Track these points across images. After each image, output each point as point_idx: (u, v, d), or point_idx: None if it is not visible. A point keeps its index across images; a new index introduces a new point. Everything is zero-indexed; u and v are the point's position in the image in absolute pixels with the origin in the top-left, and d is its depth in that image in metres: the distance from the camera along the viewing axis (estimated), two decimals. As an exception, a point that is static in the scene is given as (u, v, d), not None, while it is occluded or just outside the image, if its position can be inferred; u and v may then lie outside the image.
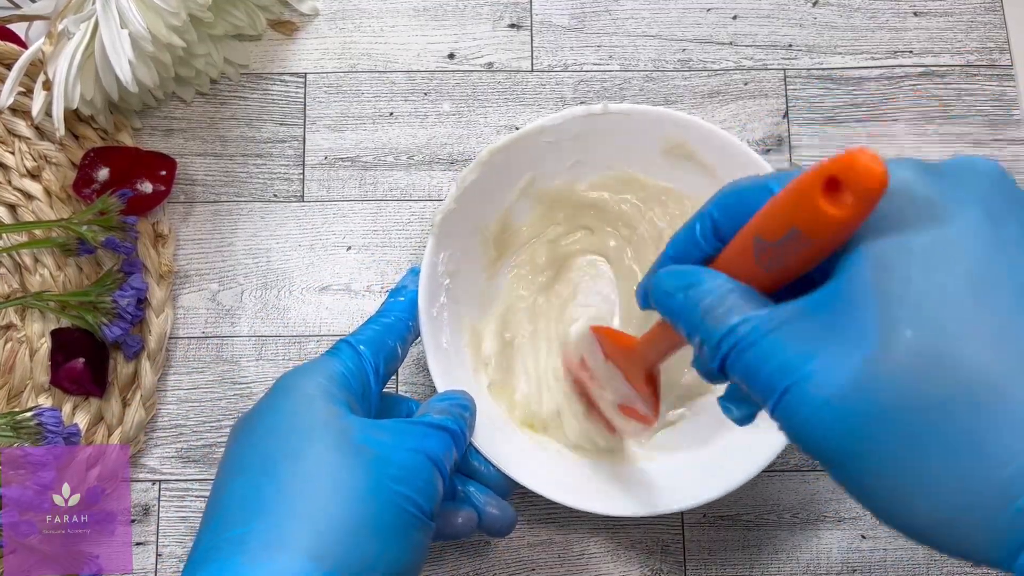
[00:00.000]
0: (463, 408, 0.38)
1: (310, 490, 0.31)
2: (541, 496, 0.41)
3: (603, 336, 0.39)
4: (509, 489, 0.41)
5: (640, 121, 0.44)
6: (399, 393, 0.48)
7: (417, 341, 0.42)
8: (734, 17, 0.53)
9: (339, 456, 0.32)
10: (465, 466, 0.40)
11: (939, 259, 0.23)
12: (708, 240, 0.28)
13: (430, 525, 0.33)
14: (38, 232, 0.47)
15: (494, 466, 0.41)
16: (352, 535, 0.30)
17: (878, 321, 0.23)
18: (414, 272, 0.43)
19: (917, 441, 0.22)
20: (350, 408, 0.35)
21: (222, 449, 0.47)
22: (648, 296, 0.30)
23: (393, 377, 0.47)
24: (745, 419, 0.30)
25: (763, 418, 0.42)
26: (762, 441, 0.41)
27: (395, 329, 0.40)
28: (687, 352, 0.30)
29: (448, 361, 0.43)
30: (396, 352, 0.40)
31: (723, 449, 0.43)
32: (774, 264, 0.25)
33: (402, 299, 0.42)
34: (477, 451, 0.40)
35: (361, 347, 0.38)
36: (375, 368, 0.38)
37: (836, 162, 0.22)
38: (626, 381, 0.38)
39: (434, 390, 0.41)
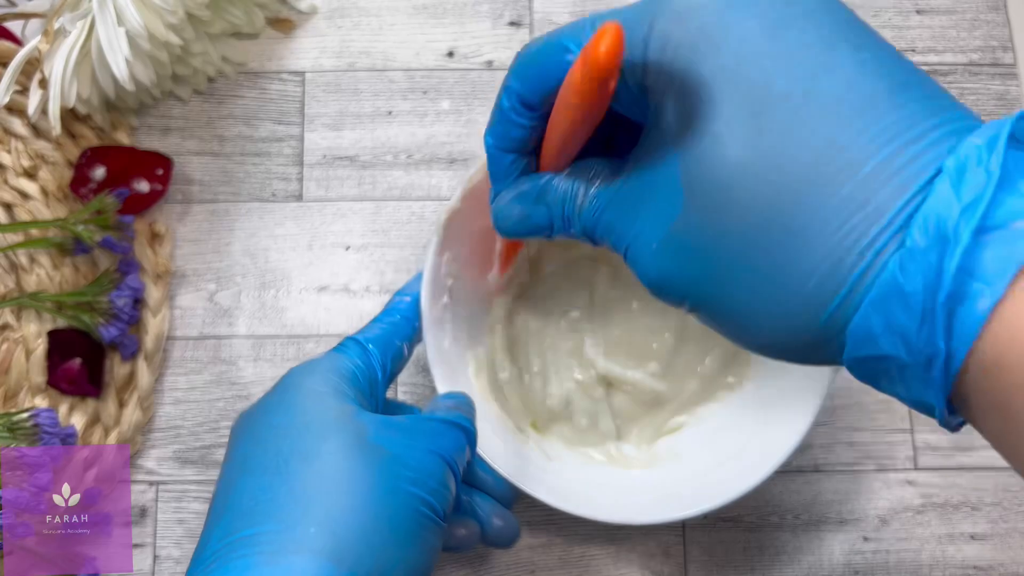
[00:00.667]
0: (469, 408, 0.38)
1: (325, 490, 0.30)
2: (528, 494, 0.41)
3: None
4: (513, 499, 0.40)
5: None
6: (396, 398, 0.48)
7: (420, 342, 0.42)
8: (735, 15, 0.52)
9: (354, 456, 0.31)
10: (468, 475, 0.39)
11: (721, 88, 0.23)
12: (520, 114, 0.29)
13: (443, 527, 0.33)
14: (34, 232, 0.47)
15: (500, 476, 0.40)
16: (368, 537, 0.30)
17: (679, 174, 0.24)
18: (419, 277, 0.42)
19: (732, 272, 0.24)
20: (360, 405, 0.34)
21: (221, 450, 0.47)
22: (506, 229, 0.32)
23: (392, 378, 0.47)
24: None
25: (765, 426, 0.42)
26: (765, 450, 0.41)
27: (401, 329, 0.39)
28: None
29: (450, 362, 0.42)
30: (403, 352, 0.39)
31: (726, 457, 0.43)
32: (589, 126, 0.27)
33: (408, 299, 0.41)
34: (482, 460, 0.40)
35: (369, 345, 0.37)
36: (383, 366, 0.37)
37: (576, 67, 0.24)
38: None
39: (432, 391, 0.41)
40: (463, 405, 0.37)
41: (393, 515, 0.31)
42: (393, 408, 0.40)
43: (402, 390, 0.48)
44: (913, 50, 0.52)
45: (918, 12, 0.52)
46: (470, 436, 0.35)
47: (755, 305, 0.24)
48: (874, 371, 0.23)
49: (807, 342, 0.24)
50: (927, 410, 0.23)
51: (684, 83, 0.24)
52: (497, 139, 0.30)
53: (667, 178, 0.25)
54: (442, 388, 0.41)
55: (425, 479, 0.32)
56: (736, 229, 0.23)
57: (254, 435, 0.33)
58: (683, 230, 0.24)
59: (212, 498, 0.33)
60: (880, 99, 0.22)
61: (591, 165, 0.29)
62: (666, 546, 0.46)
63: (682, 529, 0.46)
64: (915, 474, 0.47)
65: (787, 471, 0.47)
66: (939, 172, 0.21)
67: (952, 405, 0.23)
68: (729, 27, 0.23)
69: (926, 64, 0.52)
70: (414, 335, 0.40)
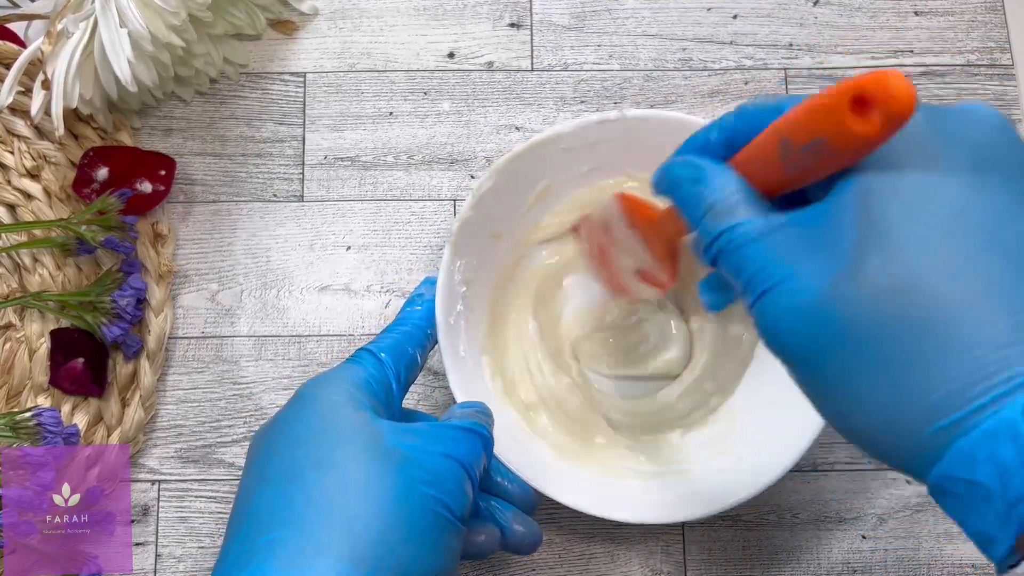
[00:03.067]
0: (486, 415, 0.38)
1: (342, 495, 0.31)
2: (545, 496, 0.41)
3: (628, 204, 0.39)
4: (535, 504, 0.40)
5: (657, 128, 0.44)
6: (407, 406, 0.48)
7: (434, 350, 0.42)
8: (734, 16, 0.53)
9: (369, 460, 0.32)
10: (487, 481, 0.39)
11: (919, 197, 0.25)
12: (719, 146, 0.30)
13: (462, 529, 0.33)
14: (37, 232, 0.47)
15: (522, 482, 0.40)
16: (387, 539, 0.30)
17: (854, 244, 0.25)
18: (429, 282, 0.42)
19: (867, 356, 0.25)
20: (376, 414, 0.34)
21: (223, 449, 0.47)
22: (661, 181, 0.31)
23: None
24: (715, 306, 0.33)
25: (769, 436, 0.42)
26: (768, 459, 0.41)
27: (414, 337, 0.40)
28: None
29: (466, 369, 0.43)
30: (416, 360, 0.39)
31: (731, 463, 0.43)
32: (795, 167, 0.27)
33: (419, 308, 0.41)
34: (503, 466, 0.40)
35: (382, 355, 0.38)
36: (397, 375, 0.37)
37: (867, 80, 0.23)
38: (647, 249, 0.38)
39: (441, 390, 0.41)
40: (480, 413, 0.37)
41: (410, 516, 0.31)
42: (409, 416, 0.40)
43: (414, 393, 0.48)
44: (911, 51, 0.52)
45: (916, 13, 0.53)
46: (486, 442, 0.36)
47: (872, 394, 0.25)
48: (957, 493, 0.24)
49: (903, 445, 0.25)
50: (986, 543, 0.24)
51: (893, 180, 0.25)
52: (690, 150, 0.31)
53: (842, 236, 0.25)
54: (459, 394, 0.41)
55: (441, 481, 0.32)
56: (892, 320, 0.24)
57: (271, 447, 0.33)
58: (843, 289, 0.25)
59: (232, 511, 0.33)
60: None
61: (760, 199, 0.29)
62: (666, 544, 0.46)
63: (681, 527, 0.46)
64: (913, 473, 0.47)
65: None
66: None
67: (1015, 545, 0.24)
68: (943, 149, 0.25)
69: (924, 65, 0.52)
70: (427, 343, 0.40)
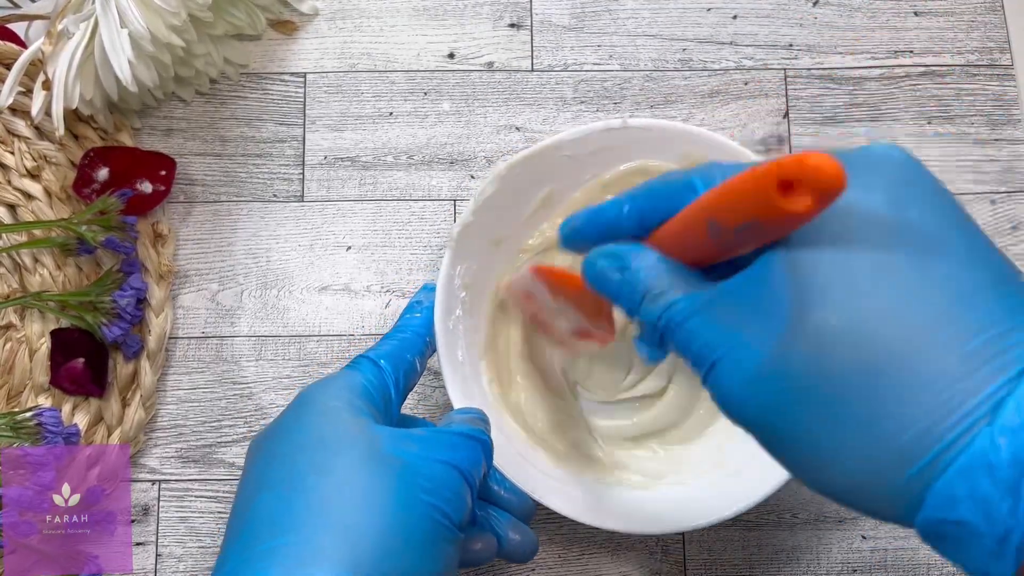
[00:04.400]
0: (485, 422, 0.38)
1: (341, 502, 0.31)
2: (541, 504, 0.41)
3: (547, 277, 0.39)
4: (531, 514, 0.40)
5: (660, 136, 0.44)
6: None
7: (433, 356, 0.42)
8: (734, 17, 0.53)
9: (369, 467, 0.32)
10: (484, 489, 0.39)
11: (843, 246, 0.25)
12: (631, 221, 0.30)
13: (460, 537, 0.33)
14: (38, 232, 0.47)
15: (518, 490, 0.40)
16: (386, 546, 0.30)
17: (789, 304, 0.25)
18: (428, 288, 0.43)
19: (825, 413, 0.24)
20: (374, 419, 0.34)
21: (223, 449, 0.47)
22: (585, 272, 0.31)
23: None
24: (653, 359, 0.33)
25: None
26: (764, 471, 0.41)
27: (413, 344, 0.40)
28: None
29: (464, 374, 0.43)
30: (415, 367, 0.39)
31: (733, 470, 0.43)
32: (727, 245, 0.27)
33: (418, 315, 0.41)
34: (500, 474, 0.40)
35: (381, 361, 0.38)
36: (396, 382, 0.38)
37: (788, 166, 0.23)
38: (578, 311, 0.38)
39: (445, 396, 0.41)
40: (478, 420, 0.37)
41: (409, 524, 0.31)
42: (408, 422, 0.40)
43: (411, 397, 0.48)
44: (911, 51, 0.52)
45: (916, 14, 0.53)
46: (486, 448, 0.36)
47: (838, 452, 0.24)
48: (946, 535, 0.24)
49: (881, 496, 0.24)
50: None
51: (814, 234, 0.25)
52: (599, 227, 0.31)
53: (773, 307, 0.25)
54: (456, 399, 0.41)
55: (440, 488, 0.32)
56: (840, 375, 0.24)
57: (270, 452, 0.33)
58: (782, 361, 0.25)
59: (230, 517, 0.33)
60: (987, 285, 0.24)
61: (688, 271, 0.29)
62: (665, 544, 0.46)
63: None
64: (913, 473, 0.47)
65: (785, 470, 0.47)
66: None
67: None
68: (857, 195, 0.25)
69: (924, 66, 0.52)
70: (426, 349, 0.41)
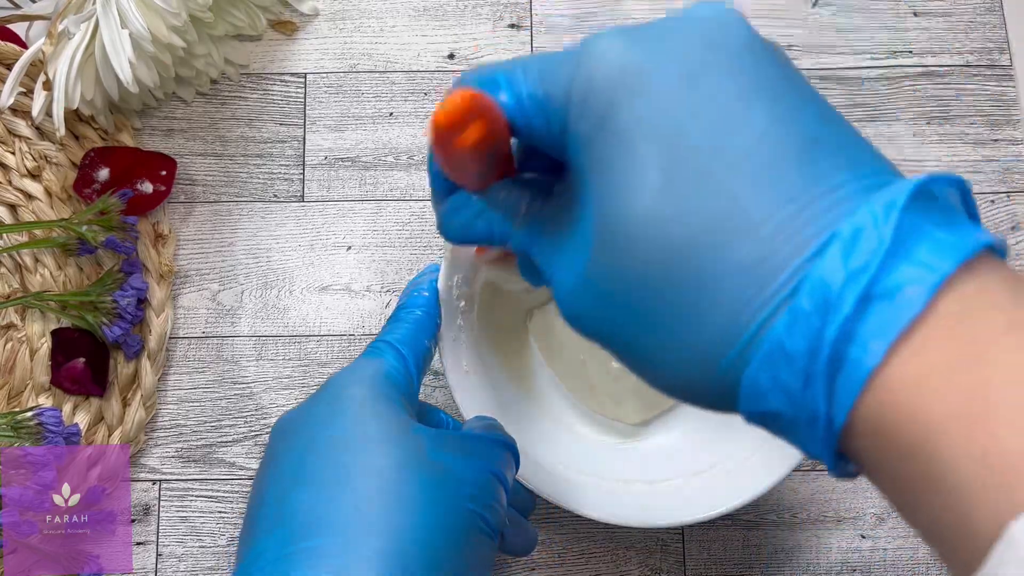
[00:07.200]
0: (503, 429, 0.38)
1: (388, 506, 0.30)
2: (542, 498, 0.41)
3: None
4: (530, 508, 0.40)
5: None
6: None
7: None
8: (734, 17, 0.53)
9: (415, 473, 0.31)
10: None
11: (631, 141, 0.23)
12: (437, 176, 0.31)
13: (496, 543, 0.33)
14: (38, 232, 0.47)
15: (517, 484, 0.40)
16: (433, 553, 0.30)
17: (592, 217, 0.25)
18: (433, 268, 0.41)
19: (639, 316, 0.24)
20: (408, 414, 0.34)
21: (223, 449, 0.47)
22: (446, 235, 0.32)
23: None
24: (535, 284, 0.33)
25: (765, 442, 0.42)
26: (767, 465, 0.41)
27: (426, 326, 0.39)
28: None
29: (470, 382, 0.42)
30: (430, 351, 0.39)
31: (733, 464, 0.43)
32: (505, 163, 0.28)
33: (426, 293, 0.40)
34: None
35: (402, 348, 0.37)
36: (417, 367, 0.37)
37: (434, 116, 0.25)
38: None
39: (445, 395, 0.41)
40: (496, 425, 0.37)
41: (455, 532, 0.31)
42: (427, 411, 0.40)
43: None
44: (910, 52, 0.52)
45: (915, 14, 0.53)
46: (515, 454, 0.36)
47: (659, 352, 0.24)
48: (766, 424, 0.23)
49: (707, 391, 0.24)
50: (818, 460, 0.23)
51: (602, 130, 0.24)
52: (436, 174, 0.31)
53: (582, 221, 0.25)
54: (466, 410, 0.41)
55: (482, 496, 0.32)
56: (642, 278, 0.24)
57: (309, 445, 0.33)
58: (594, 273, 0.25)
59: (255, 503, 0.32)
60: (789, 155, 0.22)
61: (528, 185, 0.29)
62: (665, 543, 0.46)
63: (680, 526, 0.46)
64: (912, 473, 0.47)
65: (785, 470, 0.47)
66: (835, 236, 0.22)
67: (846, 457, 0.23)
68: (649, 75, 0.23)
69: (923, 66, 0.52)
70: (436, 332, 0.40)
